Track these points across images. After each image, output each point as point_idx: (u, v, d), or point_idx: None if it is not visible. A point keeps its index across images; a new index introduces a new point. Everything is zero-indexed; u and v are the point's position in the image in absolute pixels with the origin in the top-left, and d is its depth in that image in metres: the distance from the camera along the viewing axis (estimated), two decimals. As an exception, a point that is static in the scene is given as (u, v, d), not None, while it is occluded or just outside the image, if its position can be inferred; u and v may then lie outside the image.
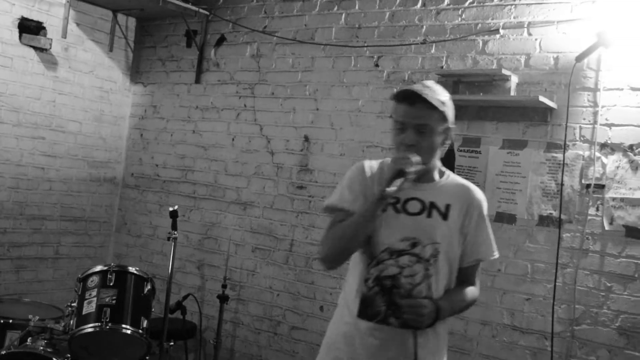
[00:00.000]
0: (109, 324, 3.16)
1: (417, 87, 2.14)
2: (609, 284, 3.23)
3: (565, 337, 3.30)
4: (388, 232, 2.13)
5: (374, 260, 2.13)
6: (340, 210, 2.18)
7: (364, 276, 2.13)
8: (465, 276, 2.24)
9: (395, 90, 2.29)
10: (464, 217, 2.18)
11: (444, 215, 2.15)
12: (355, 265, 2.21)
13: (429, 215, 2.14)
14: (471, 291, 2.25)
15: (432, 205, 2.15)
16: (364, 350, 2.12)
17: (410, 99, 2.12)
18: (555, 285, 3.32)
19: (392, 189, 2.00)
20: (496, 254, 2.26)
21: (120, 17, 5.16)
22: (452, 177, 2.28)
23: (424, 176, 2.17)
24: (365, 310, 2.12)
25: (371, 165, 2.24)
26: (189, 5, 4.74)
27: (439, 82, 3.58)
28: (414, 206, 2.15)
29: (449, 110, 2.17)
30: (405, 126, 2.12)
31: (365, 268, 2.14)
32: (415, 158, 2.04)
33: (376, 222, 2.08)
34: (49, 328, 3.24)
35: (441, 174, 2.26)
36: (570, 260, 3.33)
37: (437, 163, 2.24)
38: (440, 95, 2.15)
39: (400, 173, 2.02)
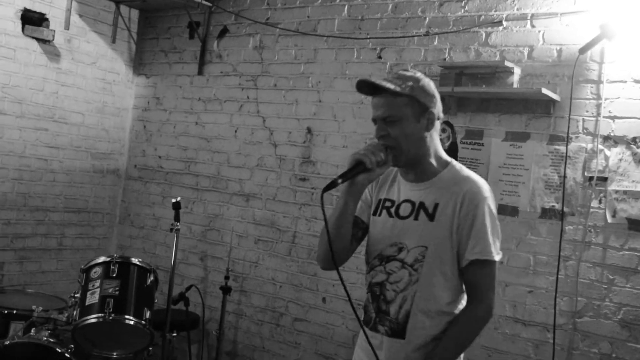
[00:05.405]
0: (112, 315, 3.17)
1: (376, 79, 2.05)
2: (611, 277, 3.23)
3: (567, 330, 3.31)
4: (380, 237, 2.09)
5: (368, 266, 2.14)
6: None
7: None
8: (467, 283, 2.03)
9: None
10: (456, 214, 1.98)
11: (431, 216, 2.00)
12: None
13: (416, 218, 2.02)
14: (464, 322, 2.01)
15: (421, 206, 2.02)
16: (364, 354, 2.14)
17: (369, 90, 2.05)
18: (557, 277, 3.32)
19: (339, 180, 1.91)
20: (495, 256, 2.00)
21: (123, 9, 5.15)
22: (455, 169, 2.07)
23: (422, 172, 2.05)
24: (364, 317, 2.14)
25: None
26: (191, -3, 4.74)
27: (441, 74, 3.65)
28: (405, 209, 2.05)
29: (421, 92, 2.00)
30: (376, 119, 2.06)
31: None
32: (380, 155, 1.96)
33: (347, 213, 2.01)
34: (53, 319, 3.26)
35: (444, 166, 2.07)
36: (572, 253, 3.33)
37: (436, 152, 2.08)
38: (408, 80, 2.00)
39: (358, 164, 1.94)
